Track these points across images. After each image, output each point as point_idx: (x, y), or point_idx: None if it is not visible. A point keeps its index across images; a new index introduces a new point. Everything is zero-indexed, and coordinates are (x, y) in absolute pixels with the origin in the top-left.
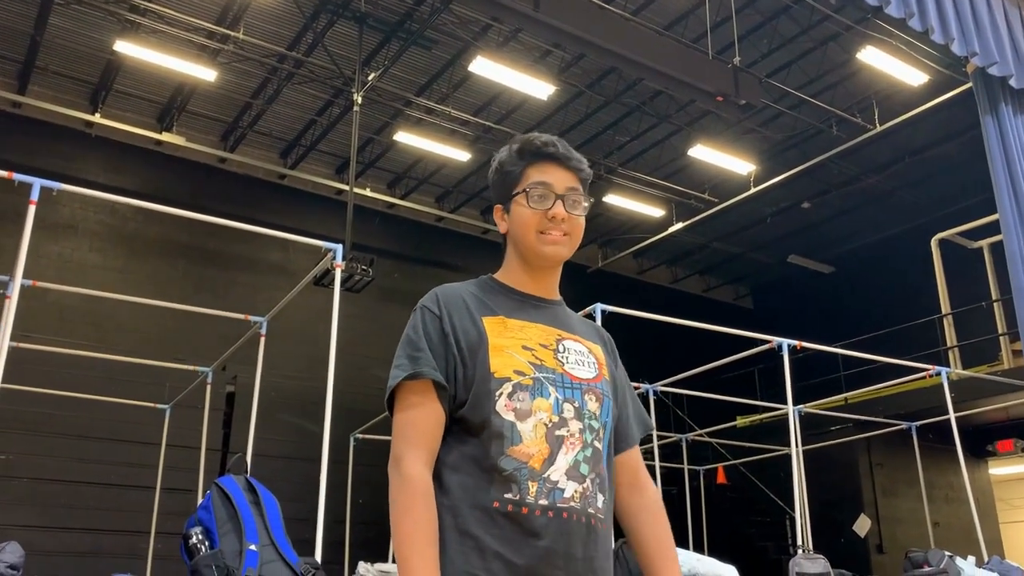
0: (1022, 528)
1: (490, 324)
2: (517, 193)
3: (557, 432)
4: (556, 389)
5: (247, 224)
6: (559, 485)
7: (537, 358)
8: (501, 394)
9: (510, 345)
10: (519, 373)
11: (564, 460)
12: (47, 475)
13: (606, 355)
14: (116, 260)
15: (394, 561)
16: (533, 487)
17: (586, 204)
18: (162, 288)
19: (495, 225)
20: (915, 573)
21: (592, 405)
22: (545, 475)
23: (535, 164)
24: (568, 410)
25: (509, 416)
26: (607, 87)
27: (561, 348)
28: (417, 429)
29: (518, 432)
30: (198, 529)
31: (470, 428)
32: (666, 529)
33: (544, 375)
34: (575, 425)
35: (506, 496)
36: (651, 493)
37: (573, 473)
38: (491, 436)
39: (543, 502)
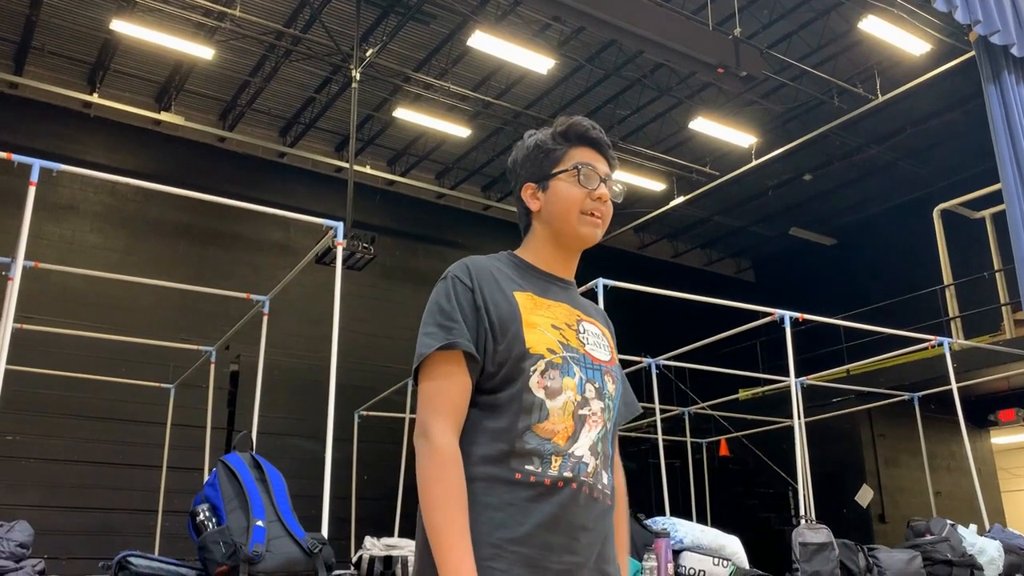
0: None
1: (522, 299)
2: (560, 171)
3: (581, 411)
4: (580, 369)
5: (247, 203)
6: (583, 460)
7: (564, 337)
8: (535, 371)
9: (541, 323)
10: (551, 351)
11: (587, 438)
12: (54, 455)
13: (612, 339)
14: (117, 241)
15: (400, 535)
16: (557, 461)
17: (617, 189)
18: (164, 268)
19: (497, 201)
20: (917, 541)
21: (610, 387)
22: (569, 451)
23: (579, 147)
24: (590, 390)
25: (540, 393)
26: (607, 60)
27: (582, 329)
28: (446, 399)
29: (547, 409)
30: (205, 506)
31: (497, 402)
32: (625, 512)
33: (570, 355)
34: (596, 405)
35: (528, 468)
36: (621, 475)
37: (594, 450)
38: (519, 411)
39: (567, 474)
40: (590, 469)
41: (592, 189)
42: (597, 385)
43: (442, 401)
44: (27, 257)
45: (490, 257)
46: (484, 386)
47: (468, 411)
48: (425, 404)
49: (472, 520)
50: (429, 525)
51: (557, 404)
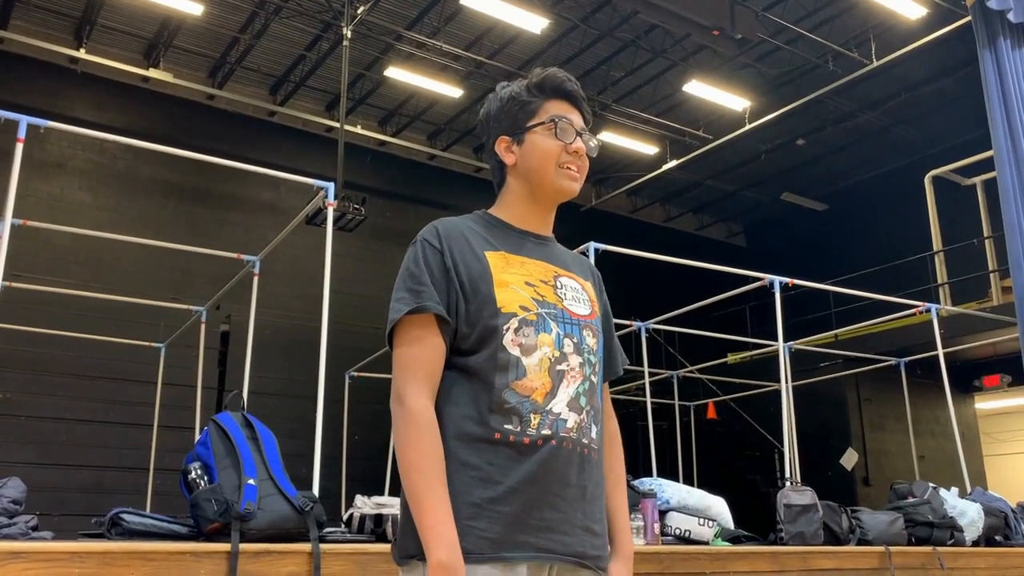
0: (1005, 460)
1: (493, 259)
2: (536, 124)
3: (559, 367)
4: (557, 324)
5: (237, 162)
6: (562, 416)
7: (539, 294)
8: (508, 329)
9: (513, 281)
10: (524, 309)
11: (565, 393)
12: (45, 413)
13: (595, 290)
14: (107, 199)
15: (390, 494)
16: (536, 419)
17: (593, 144)
18: (154, 227)
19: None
20: (899, 504)
21: (590, 340)
22: (548, 407)
23: (554, 100)
24: (568, 345)
25: (515, 351)
26: (601, 21)
27: (559, 284)
28: (419, 363)
29: (523, 366)
30: (197, 464)
31: (473, 362)
32: (620, 458)
33: (546, 311)
34: (575, 359)
35: (507, 427)
36: (613, 424)
37: (574, 405)
38: (495, 370)
39: (546, 432)
40: (570, 425)
41: (569, 143)
42: (575, 340)
43: (415, 365)
44: (15, 215)
45: (463, 217)
46: (460, 347)
47: (446, 373)
48: (399, 369)
49: (452, 480)
50: (408, 488)
51: (533, 361)
